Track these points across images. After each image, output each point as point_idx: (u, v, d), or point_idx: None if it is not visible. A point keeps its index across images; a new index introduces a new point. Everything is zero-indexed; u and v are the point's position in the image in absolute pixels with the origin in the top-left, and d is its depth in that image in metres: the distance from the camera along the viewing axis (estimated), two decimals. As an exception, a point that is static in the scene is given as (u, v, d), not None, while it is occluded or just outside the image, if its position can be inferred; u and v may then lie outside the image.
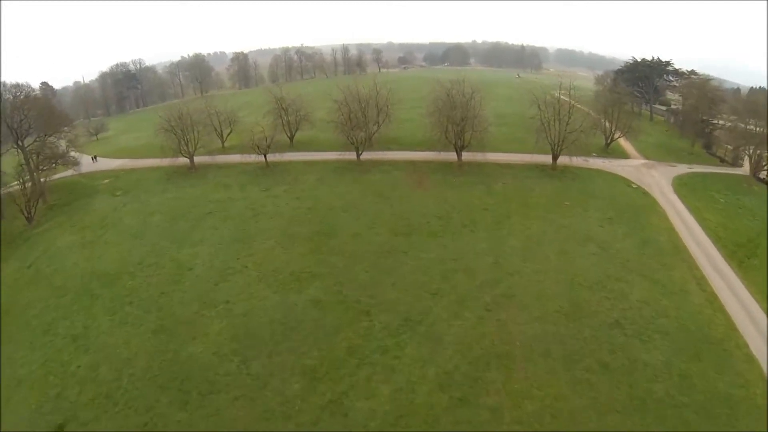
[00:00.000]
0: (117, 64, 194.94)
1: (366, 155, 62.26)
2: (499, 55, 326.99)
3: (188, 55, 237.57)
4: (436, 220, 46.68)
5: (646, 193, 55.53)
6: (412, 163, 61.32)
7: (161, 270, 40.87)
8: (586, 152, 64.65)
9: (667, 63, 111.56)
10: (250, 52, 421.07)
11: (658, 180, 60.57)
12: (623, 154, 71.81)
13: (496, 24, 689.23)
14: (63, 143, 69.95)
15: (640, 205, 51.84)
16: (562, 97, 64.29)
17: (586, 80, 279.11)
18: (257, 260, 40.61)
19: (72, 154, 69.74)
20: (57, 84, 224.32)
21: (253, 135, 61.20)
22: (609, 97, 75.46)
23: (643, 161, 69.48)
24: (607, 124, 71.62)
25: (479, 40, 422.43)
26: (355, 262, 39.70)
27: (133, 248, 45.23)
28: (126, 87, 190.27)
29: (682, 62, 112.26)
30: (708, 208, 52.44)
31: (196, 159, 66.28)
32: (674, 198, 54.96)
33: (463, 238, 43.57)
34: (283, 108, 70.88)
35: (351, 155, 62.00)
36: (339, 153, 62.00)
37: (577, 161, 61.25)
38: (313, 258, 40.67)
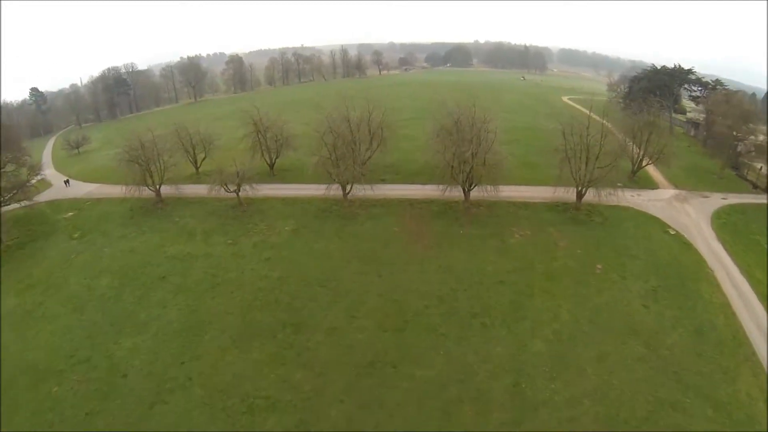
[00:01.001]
0: (108, 69, 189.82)
1: (356, 189, 52.46)
2: (502, 56, 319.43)
3: (187, 56, 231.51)
4: (438, 304, 36.37)
5: (687, 244, 46.52)
6: (410, 204, 51.72)
7: (93, 372, 32.20)
8: (612, 183, 55.81)
9: (689, 71, 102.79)
10: (250, 52, 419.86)
11: (695, 219, 52.42)
12: (651, 183, 63.09)
13: (498, 23, 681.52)
14: (24, 170, 63.02)
15: (684, 264, 42.54)
16: (580, 108, 54.49)
17: (591, 81, 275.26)
18: (204, 369, 31.29)
19: (45, 173, 65.56)
20: (56, 86, 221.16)
21: (222, 173, 51.89)
22: (638, 118, 65.28)
23: (673, 191, 61.41)
24: (636, 148, 62.10)
25: (482, 40, 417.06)
26: (327, 384, 29.73)
27: (71, 329, 37.28)
28: (116, 93, 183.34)
29: (681, 61, 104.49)
30: (758, 264, 43.66)
31: (166, 188, 59.00)
32: (718, 247, 46.52)
33: (472, 337, 33.35)
34: (260, 132, 61.79)
35: (338, 190, 52.47)
36: (324, 187, 51.55)
37: (603, 194, 51.64)
38: (273, 372, 31.05)
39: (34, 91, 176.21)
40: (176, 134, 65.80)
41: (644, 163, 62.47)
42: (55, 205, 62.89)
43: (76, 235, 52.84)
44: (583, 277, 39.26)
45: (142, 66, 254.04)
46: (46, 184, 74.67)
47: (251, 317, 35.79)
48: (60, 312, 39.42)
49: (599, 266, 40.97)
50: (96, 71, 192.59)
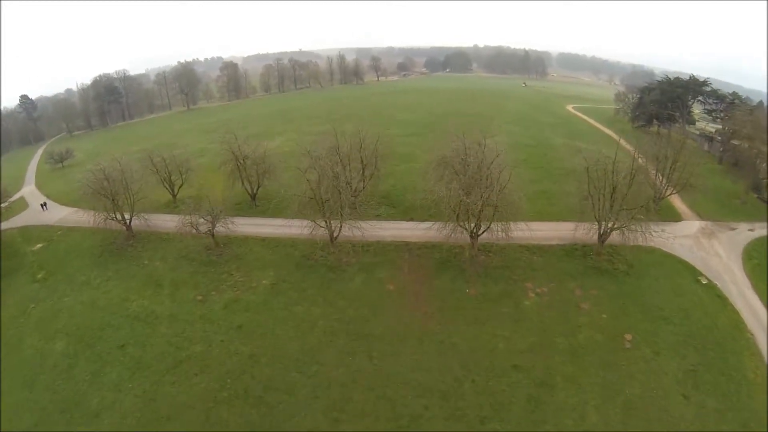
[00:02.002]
0: (100, 76, 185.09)
1: (345, 228, 44.52)
2: (502, 61, 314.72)
3: (184, 60, 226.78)
4: (440, 404, 29.45)
5: (722, 297, 40.44)
6: (408, 249, 45.01)
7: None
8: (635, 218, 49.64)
9: (704, 83, 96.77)
10: (248, 57, 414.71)
11: (726, 262, 46.53)
12: (674, 214, 56.91)
13: (497, 27, 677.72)
14: None
15: (722, 327, 36.48)
16: (586, 119, 47.57)
17: (593, 87, 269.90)
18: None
19: (25, 190, 64.40)
20: (53, 89, 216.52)
21: (192, 215, 45.46)
22: (661, 138, 58.52)
23: (698, 223, 55.64)
24: (660, 176, 55.57)
25: (481, 45, 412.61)
26: None
27: (18, 412, 32.06)
28: (107, 101, 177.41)
29: (675, 63, 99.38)
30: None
31: (141, 219, 53.19)
32: (753, 298, 40.81)
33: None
34: (240, 162, 55.44)
35: (325, 232, 45.56)
36: (310, 226, 43.40)
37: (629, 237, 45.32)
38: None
39: (24, 99, 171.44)
40: (149, 160, 59.72)
41: (668, 193, 56.18)
42: (27, 232, 59.19)
43: (40, 276, 48.56)
44: (611, 356, 32.77)
45: (140, 70, 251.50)
46: (22, 205, 70.88)
47: (216, 414, 29.33)
48: (10, 386, 34.32)
49: (629, 338, 34.55)
50: (94, 73, 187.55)
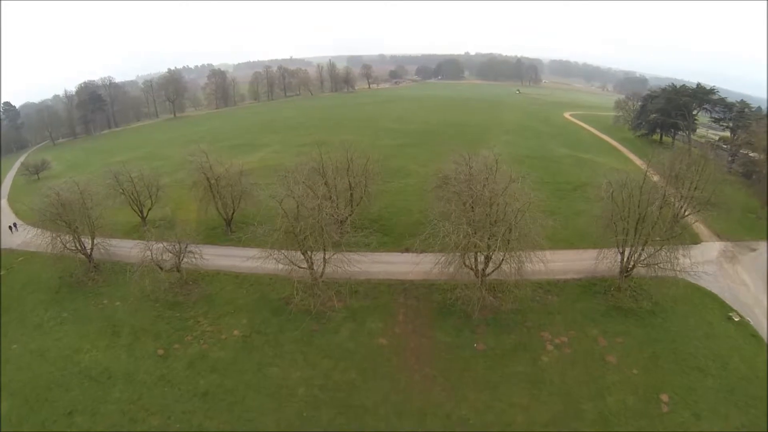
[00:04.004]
0: (84, 83, 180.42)
1: (329, 267, 38.07)
2: (495, 68, 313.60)
3: (174, 67, 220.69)
4: None
5: (756, 338, 35.76)
6: (403, 289, 39.06)
7: None
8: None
9: (710, 91, 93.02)
10: (239, 64, 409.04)
11: (753, 291, 42.45)
12: (692, 236, 51.87)
13: (489, 34, 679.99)
14: None
15: (762, 376, 31.61)
16: (585, 126, 42.68)
17: (586, 94, 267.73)
18: None
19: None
20: (39, 97, 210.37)
21: (152, 254, 39.51)
22: (684, 158, 53.33)
23: (718, 245, 51.77)
24: (679, 198, 50.48)
25: (472, 52, 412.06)
26: None
27: None
28: (92, 109, 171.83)
29: (663, 68, 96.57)
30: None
31: (102, 249, 47.73)
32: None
33: None
34: (211, 183, 49.53)
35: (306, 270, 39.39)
36: (290, 258, 36.32)
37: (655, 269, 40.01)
38: None
39: (7, 106, 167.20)
40: (114, 179, 53.96)
41: (686, 213, 51.20)
42: None
43: None
44: (648, 423, 27.29)
45: (129, 77, 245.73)
46: (-13, 222, 65.51)
47: None
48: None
49: (665, 398, 29.09)
50: (81, 80, 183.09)
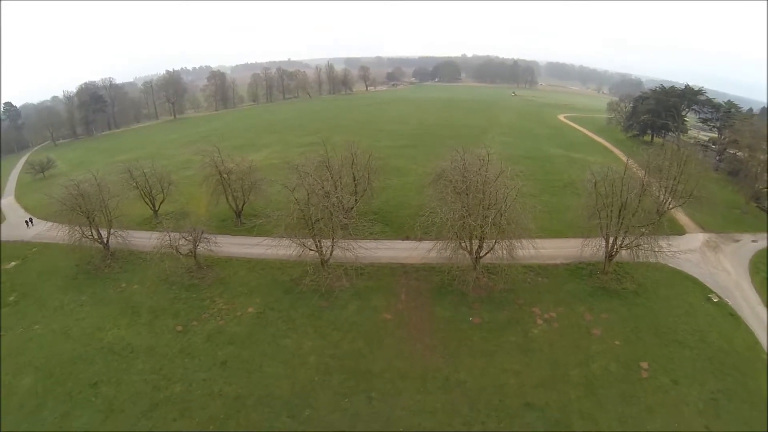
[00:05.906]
0: (85, 84, 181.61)
1: (337, 250, 41.43)
2: (492, 70, 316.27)
3: (173, 69, 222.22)
4: None
5: (735, 317, 38.50)
6: (405, 272, 42.12)
7: None
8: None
9: (699, 91, 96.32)
10: (237, 66, 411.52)
11: (734, 276, 45.19)
12: (677, 227, 55.24)
13: (485, 36, 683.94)
14: None
15: (738, 350, 34.38)
16: (578, 128, 45.54)
17: (582, 96, 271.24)
18: None
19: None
20: (39, 97, 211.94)
21: (170, 235, 42.26)
22: (669, 154, 56.43)
23: (702, 235, 54.58)
24: (663, 190, 53.56)
25: (469, 54, 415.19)
26: None
27: None
28: (92, 110, 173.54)
29: (659, 71, 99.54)
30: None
31: (120, 236, 49.97)
32: (765, 315, 39.03)
33: None
34: (223, 177, 52.33)
35: (315, 253, 42.45)
36: (299, 245, 39.65)
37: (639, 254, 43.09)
38: None
39: (8, 106, 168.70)
40: (128, 174, 56.67)
41: (670, 206, 54.24)
42: (8, 249, 55.70)
43: (11, 299, 44.82)
44: (628, 387, 30.06)
45: (128, 78, 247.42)
46: (-2, 218, 67.91)
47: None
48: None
49: (645, 366, 31.95)
50: (81, 81, 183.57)
